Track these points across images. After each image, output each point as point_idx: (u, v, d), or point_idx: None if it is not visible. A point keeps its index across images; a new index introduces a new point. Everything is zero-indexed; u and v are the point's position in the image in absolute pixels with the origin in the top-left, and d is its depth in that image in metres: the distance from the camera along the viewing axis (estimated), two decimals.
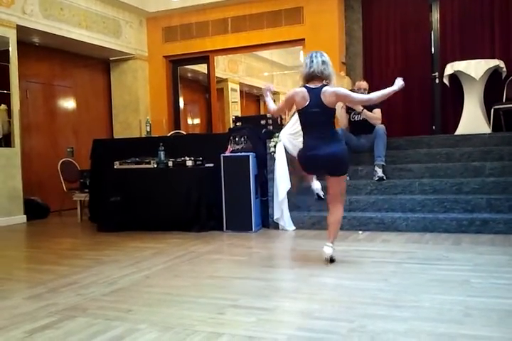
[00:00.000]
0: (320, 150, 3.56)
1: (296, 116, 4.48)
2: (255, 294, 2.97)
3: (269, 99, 3.94)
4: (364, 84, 6.02)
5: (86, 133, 8.44)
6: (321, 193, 4.01)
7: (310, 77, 3.60)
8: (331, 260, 3.64)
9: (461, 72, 6.85)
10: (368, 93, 5.82)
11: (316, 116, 3.58)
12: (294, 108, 3.88)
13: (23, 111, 7.14)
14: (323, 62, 3.58)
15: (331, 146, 3.57)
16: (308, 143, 3.68)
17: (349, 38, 8.11)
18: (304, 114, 3.66)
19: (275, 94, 10.66)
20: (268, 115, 5.99)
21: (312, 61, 3.60)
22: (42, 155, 7.86)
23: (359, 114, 5.91)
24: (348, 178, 4.91)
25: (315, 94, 3.55)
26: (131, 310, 2.72)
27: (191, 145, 6.03)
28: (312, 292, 3.01)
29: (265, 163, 5.58)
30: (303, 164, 3.79)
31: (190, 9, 8.67)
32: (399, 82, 3.77)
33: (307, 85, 3.61)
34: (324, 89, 3.55)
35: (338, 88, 3.66)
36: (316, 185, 4.03)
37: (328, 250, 3.62)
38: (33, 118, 7.76)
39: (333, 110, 3.65)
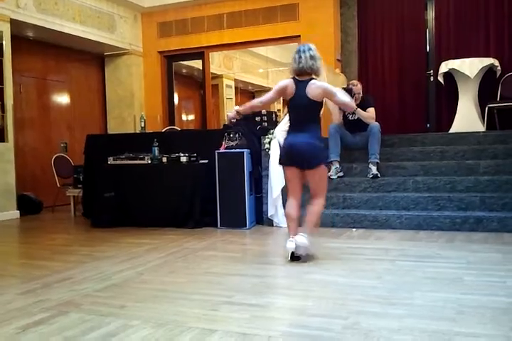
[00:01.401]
0: (297, 139, 3.67)
1: None
2: (249, 291, 2.97)
3: (242, 108, 3.88)
4: (358, 88, 5.95)
5: (80, 129, 8.41)
6: (291, 251, 3.62)
7: (299, 72, 3.70)
8: (296, 256, 3.62)
9: (456, 70, 6.87)
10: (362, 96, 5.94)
11: (300, 108, 3.71)
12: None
13: (17, 105, 7.09)
14: (312, 57, 3.66)
15: (308, 138, 3.66)
16: (290, 133, 3.79)
17: (344, 35, 8.11)
18: (290, 106, 3.78)
19: (270, 90, 10.66)
20: (263, 112, 5.98)
21: (300, 56, 3.67)
22: (35, 151, 7.81)
23: (353, 113, 5.89)
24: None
25: (302, 86, 3.66)
26: (125, 306, 2.72)
27: (186, 141, 6.02)
28: (306, 289, 3.01)
29: (260, 159, 5.58)
30: (283, 154, 3.86)
31: (186, 4, 8.63)
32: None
33: (295, 77, 3.72)
34: (312, 81, 3.67)
35: (326, 84, 3.81)
36: (289, 244, 3.62)
37: (291, 244, 3.59)
38: (26, 113, 7.71)
39: (319, 104, 3.72)
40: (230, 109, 9.85)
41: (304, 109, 3.70)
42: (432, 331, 2.23)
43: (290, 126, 3.82)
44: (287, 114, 3.99)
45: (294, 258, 3.62)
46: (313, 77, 3.71)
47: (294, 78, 3.72)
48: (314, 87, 3.64)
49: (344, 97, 3.78)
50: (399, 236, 4.65)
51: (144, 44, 9.22)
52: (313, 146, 3.68)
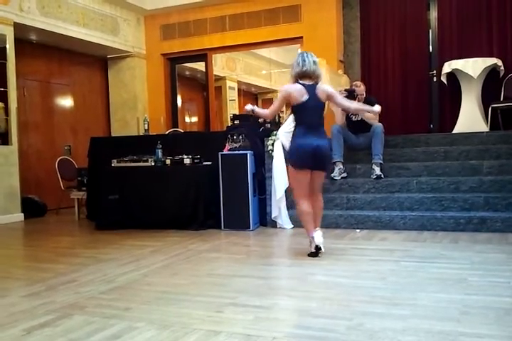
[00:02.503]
0: (319, 142, 3.75)
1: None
2: (253, 292, 2.97)
3: (257, 110, 3.99)
4: (362, 90, 5.95)
5: (83, 131, 8.43)
6: (322, 246, 3.78)
7: (302, 75, 3.78)
8: (320, 248, 3.78)
9: (459, 70, 6.86)
10: (365, 97, 5.92)
11: (313, 111, 3.80)
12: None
13: (21, 109, 7.12)
14: (314, 63, 3.81)
15: (322, 140, 3.82)
16: (303, 135, 3.80)
17: (347, 36, 8.11)
18: (301, 109, 3.80)
19: (273, 92, 10.69)
20: None
21: (304, 60, 3.78)
22: (39, 153, 7.84)
23: (357, 114, 5.89)
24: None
25: (312, 90, 3.76)
26: (129, 308, 2.72)
27: (189, 143, 6.03)
28: (310, 290, 3.01)
29: (263, 161, 5.58)
30: (296, 156, 3.84)
31: (188, 7, 8.65)
32: (377, 108, 4.17)
33: (301, 82, 3.78)
34: (318, 86, 3.80)
35: (328, 87, 3.98)
36: (318, 237, 3.77)
37: (319, 237, 3.78)
38: (30, 116, 7.74)
39: (325, 104, 3.93)
40: (233, 110, 9.90)
41: (316, 112, 3.83)
42: (436, 331, 2.22)
43: (301, 129, 3.83)
44: (290, 116, 4.04)
45: (318, 252, 3.77)
46: (316, 82, 3.81)
47: (299, 83, 3.77)
48: (321, 92, 3.78)
49: (343, 100, 4.00)
50: (403, 236, 4.65)
51: (147, 46, 9.24)
52: (330, 149, 3.95)
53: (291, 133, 5.30)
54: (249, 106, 4.00)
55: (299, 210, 3.94)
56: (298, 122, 3.88)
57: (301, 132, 3.83)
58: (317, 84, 3.80)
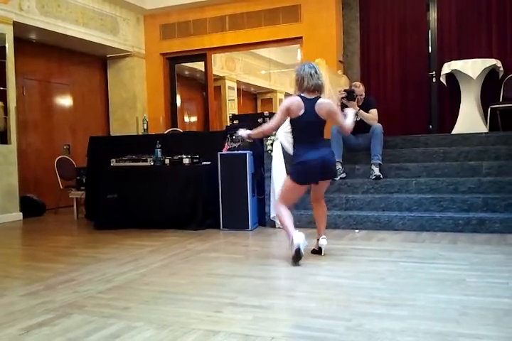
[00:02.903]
0: (315, 155, 3.61)
1: None
2: (252, 292, 2.97)
3: (255, 132, 3.84)
4: (361, 90, 5.95)
5: (83, 131, 8.42)
6: (302, 248, 3.53)
7: (313, 89, 3.63)
8: (322, 251, 3.83)
9: (458, 71, 6.86)
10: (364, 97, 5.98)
11: (309, 126, 3.65)
12: None
13: (20, 108, 7.11)
14: (321, 76, 3.67)
15: (323, 151, 3.69)
16: (303, 151, 3.67)
17: (347, 36, 8.11)
18: (297, 123, 3.69)
19: (272, 92, 10.70)
20: (265, 113, 5.99)
21: (316, 72, 3.63)
22: (38, 153, 7.83)
23: (356, 114, 5.88)
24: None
25: (310, 104, 3.61)
26: (128, 307, 2.72)
27: (188, 143, 6.03)
28: (309, 290, 3.01)
29: (262, 161, 5.58)
30: (299, 172, 3.68)
31: (188, 7, 8.64)
32: (352, 112, 3.99)
33: (302, 95, 3.65)
34: (320, 101, 3.64)
35: (331, 103, 3.77)
36: (297, 236, 3.52)
37: (324, 241, 3.83)
38: (29, 116, 7.73)
39: (325, 121, 3.72)
40: (233, 110, 9.89)
41: (314, 126, 3.67)
42: (435, 332, 2.22)
43: (302, 142, 3.71)
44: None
45: (300, 255, 3.53)
46: (320, 95, 3.69)
47: (300, 96, 3.64)
48: (323, 107, 3.62)
49: (342, 120, 3.79)
50: (401, 237, 4.65)
51: (146, 46, 9.24)
52: (333, 158, 3.85)
53: (290, 134, 5.34)
54: (243, 134, 3.86)
55: (278, 212, 3.82)
56: (296, 139, 3.78)
57: (302, 146, 3.70)
58: (318, 98, 3.65)
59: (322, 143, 3.77)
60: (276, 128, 3.92)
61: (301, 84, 3.65)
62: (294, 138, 3.83)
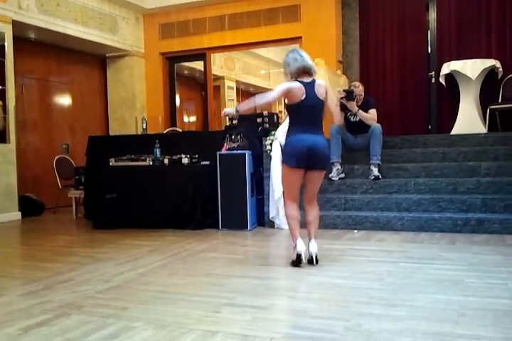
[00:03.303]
0: (315, 140, 3.55)
1: None
2: (251, 292, 2.97)
3: (249, 104, 3.69)
4: (360, 90, 5.94)
5: (82, 130, 8.41)
6: (303, 255, 3.54)
7: (302, 71, 3.55)
8: (316, 260, 3.57)
9: (458, 71, 6.87)
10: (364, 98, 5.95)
11: (311, 111, 3.58)
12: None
13: (19, 107, 7.10)
14: (306, 58, 3.58)
15: (323, 139, 3.63)
16: (298, 133, 3.58)
17: (346, 36, 8.11)
18: (299, 108, 3.57)
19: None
20: (264, 113, 5.98)
21: (301, 55, 3.57)
22: (37, 152, 7.83)
23: (355, 114, 5.89)
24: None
25: (310, 87, 3.55)
26: (126, 307, 2.72)
27: (187, 142, 6.02)
28: (308, 291, 3.01)
29: (261, 161, 5.58)
30: (289, 155, 3.61)
31: (187, 6, 8.64)
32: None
33: (300, 79, 3.56)
34: (317, 83, 3.61)
35: (327, 85, 3.75)
36: (300, 245, 3.54)
37: (315, 248, 3.60)
38: (28, 115, 7.72)
39: (324, 104, 3.65)
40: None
41: (315, 110, 3.59)
42: (433, 333, 2.22)
43: (297, 127, 3.61)
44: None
45: (301, 261, 3.54)
46: (314, 78, 3.62)
47: (299, 81, 3.55)
48: (321, 88, 3.59)
49: (335, 100, 3.78)
50: (400, 237, 4.65)
51: (145, 45, 9.23)
52: (328, 148, 3.72)
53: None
54: (230, 111, 3.69)
55: (285, 213, 3.78)
56: (293, 122, 3.67)
57: (295, 130, 3.62)
58: (314, 80, 3.60)
59: (318, 131, 3.62)
60: (275, 99, 3.69)
61: (290, 70, 3.57)
62: (290, 122, 3.70)
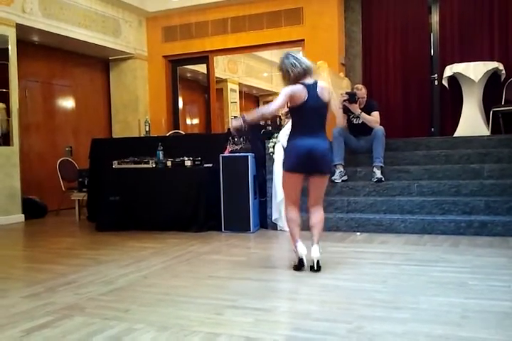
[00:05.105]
0: (316, 143, 3.50)
1: None
2: (253, 295, 2.96)
3: (251, 116, 3.57)
4: (363, 93, 5.93)
5: (85, 133, 8.42)
6: (305, 259, 3.53)
7: (302, 75, 3.49)
8: (318, 266, 3.48)
9: (460, 74, 6.86)
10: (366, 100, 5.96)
11: (314, 112, 3.53)
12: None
13: (22, 110, 7.12)
14: (303, 60, 3.53)
15: (324, 142, 3.58)
16: (301, 137, 3.53)
17: (349, 39, 8.11)
18: (302, 109, 3.52)
19: (274, 94, 10.68)
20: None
21: (297, 58, 3.51)
22: (40, 155, 7.84)
23: (358, 117, 5.89)
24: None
25: (313, 88, 3.50)
26: (129, 309, 2.72)
27: (190, 145, 6.03)
28: (310, 293, 3.01)
29: (264, 163, 5.59)
30: (288, 159, 3.58)
31: (190, 9, 8.66)
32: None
33: (301, 81, 3.50)
34: (319, 83, 3.55)
35: (328, 86, 3.73)
36: (301, 248, 3.54)
37: (317, 253, 3.50)
38: (31, 117, 7.75)
39: (327, 106, 3.61)
40: (234, 112, 9.89)
41: (317, 112, 3.54)
42: (436, 335, 2.22)
43: (298, 130, 3.57)
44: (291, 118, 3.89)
45: (303, 265, 3.53)
46: (316, 79, 3.58)
47: (301, 83, 3.49)
48: (323, 89, 3.54)
49: (335, 102, 3.76)
50: (403, 240, 4.64)
51: (148, 48, 9.25)
52: (329, 151, 3.67)
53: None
54: (236, 122, 3.53)
55: (286, 216, 3.75)
56: (295, 125, 3.62)
57: (296, 134, 3.56)
58: (317, 81, 3.54)
59: (320, 134, 3.55)
60: (278, 108, 3.65)
61: (290, 77, 3.51)
62: (292, 126, 3.65)
